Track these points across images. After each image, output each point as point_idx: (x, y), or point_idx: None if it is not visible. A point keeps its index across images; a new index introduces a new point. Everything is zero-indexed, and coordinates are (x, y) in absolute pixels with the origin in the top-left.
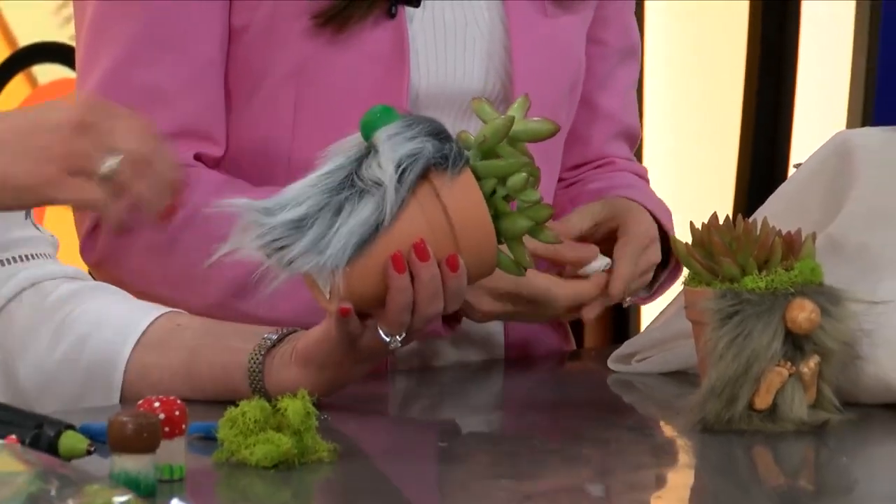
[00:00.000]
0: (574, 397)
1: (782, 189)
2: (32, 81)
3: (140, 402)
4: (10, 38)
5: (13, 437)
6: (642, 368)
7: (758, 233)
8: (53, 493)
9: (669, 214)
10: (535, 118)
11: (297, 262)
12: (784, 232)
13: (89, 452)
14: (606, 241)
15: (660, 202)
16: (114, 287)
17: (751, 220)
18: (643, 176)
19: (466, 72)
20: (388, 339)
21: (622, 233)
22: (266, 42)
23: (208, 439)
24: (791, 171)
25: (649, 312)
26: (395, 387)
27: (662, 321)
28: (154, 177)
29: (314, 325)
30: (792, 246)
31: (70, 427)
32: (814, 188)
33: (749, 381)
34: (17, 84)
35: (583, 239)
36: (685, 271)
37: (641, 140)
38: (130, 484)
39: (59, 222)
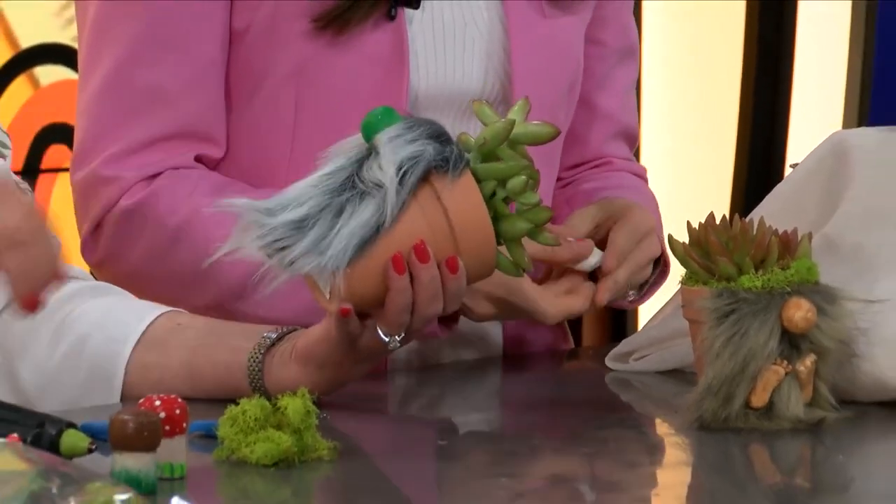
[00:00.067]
0: (572, 395)
1: (779, 189)
2: (34, 83)
3: (141, 400)
4: (12, 40)
5: (15, 435)
6: (640, 367)
7: (754, 232)
8: (55, 491)
9: (659, 215)
10: (536, 121)
11: (297, 262)
12: (780, 231)
13: (90, 451)
14: (606, 241)
15: (652, 200)
16: (115, 286)
17: (747, 219)
18: (641, 175)
19: (465, 72)
20: (387, 340)
21: (618, 225)
22: (267, 43)
23: (209, 437)
24: (787, 170)
25: (647, 311)
26: (394, 385)
27: (660, 320)
28: (26, 259)
29: (314, 324)
30: (788, 245)
31: (71, 425)
32: (810, 188)
33: (746, 379)
34: (19, 85)
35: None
36: (682, 270)
37: (639, 140)
38: (131, 482)
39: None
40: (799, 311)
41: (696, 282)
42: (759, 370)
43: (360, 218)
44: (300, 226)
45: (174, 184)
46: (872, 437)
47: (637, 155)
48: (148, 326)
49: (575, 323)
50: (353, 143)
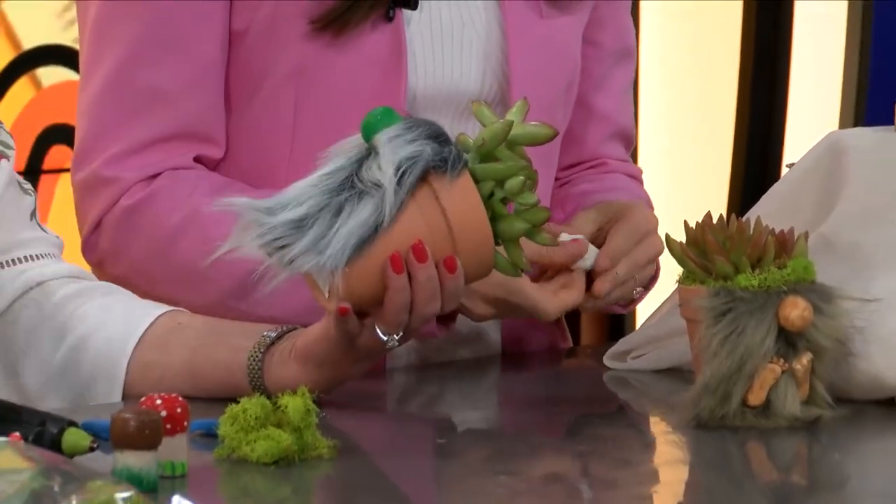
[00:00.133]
0: (570, 394)
1: (775, 188)
2: (36, 84)
3: (142, 399)
4: (14, 41)
5: (17, 434)
6: (637, 365)
7: (751, 232)
8: (56, 489)
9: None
10: (534, 122)
11: (297, 261)
12: (777, 231)
13: (92, 449)
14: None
15: (647, 202)
16: (117, 286)
17: (744, 219)
18: (637, 177)
19: (464, 73)
20: (385, 338)
21: (617, 226)
22: (266, 43)
23: (210, 436)
24: (784, 170)
25: (644, 311)
26: (392, 384)
27: (657, 319)
28: None
29: (313, 323)
30: (785, 244)
31: (73, 424)
32: (807, 188)
33: (743, 377)
34: (22, 87)
35: None
36: (680, 269)
37: (636, 140)
38: (133, 480)
39: (61, 222)
40: (795, 310)
41: (693, 281)
42: (756, 368)
43: (358, 217)
44: (299, 225)
45: (174, 184)
46: (868, 435)
47: (634, 154)
48: (149, 326)
49: (573, 322)
50: (353, 143)
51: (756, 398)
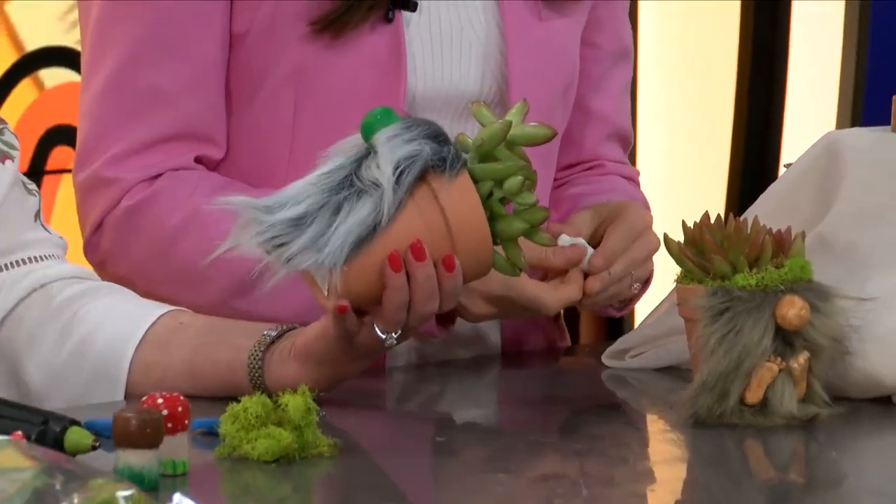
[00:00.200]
0: (569, 392)
1: (773, 188)
2: (39, 86)
3: (144, 398)
4: (17, 43)
5: (19, 433)
6: (636, 364)
7: (748, 231)
8: (59, 487)
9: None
10: (533, 123)
11: (295, 259)
12: (774, 230)
13: (94, 448)
14: None
15: (643, 203)
16: (119, 286)
17: (742, 218)
18: (633, 179)
19: (463, 75)
20: (384, 337)
21: (613, 226)
22: (266, 44)
23: (211, 435)
24: (782, 170)
25: (642, 310)
26: (392, 382)
27: (655, 318)
28: None
29: (313, 322)
30: (782, 244)
31: (75, 423)
32: (804, 187)
33: (740, 376)
34: (25, 88)
35: None
36: (678, 269)
37: (635, 140)
38: (134, 478)
39: (64, 223)
40: (792, 309)
41: (691, 280)
42: (754, 367)
43: (357, 216)
44: (298, 223)
45: (174, 185)
46: (865, 434)
47: (633, 154)
48: (150, 326)
49: (572, 321)
50: (353, 142)
51: (753, 396)
